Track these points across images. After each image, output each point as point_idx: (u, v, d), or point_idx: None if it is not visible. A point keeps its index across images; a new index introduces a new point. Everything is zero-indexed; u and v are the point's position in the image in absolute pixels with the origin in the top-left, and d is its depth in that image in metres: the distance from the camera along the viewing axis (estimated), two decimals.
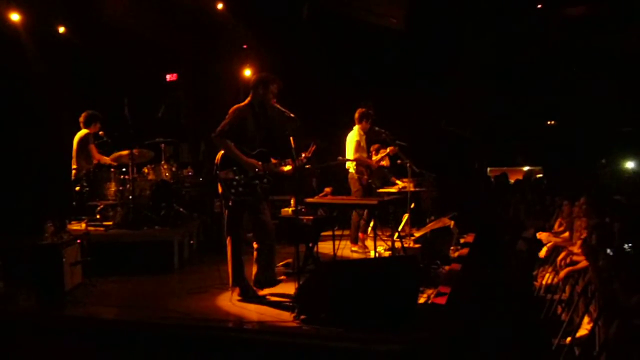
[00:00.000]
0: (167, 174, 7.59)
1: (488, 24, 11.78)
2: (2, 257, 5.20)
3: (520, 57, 13.63)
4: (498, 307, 5.94)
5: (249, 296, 4.71)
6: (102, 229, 6.71)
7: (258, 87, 4.81)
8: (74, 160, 7.06)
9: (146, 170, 7.56)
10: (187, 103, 10.78)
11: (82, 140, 7.07)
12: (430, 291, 4.81)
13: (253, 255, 4.84)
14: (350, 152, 6.95)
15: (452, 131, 12.31)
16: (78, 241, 5.22)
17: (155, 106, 10.16)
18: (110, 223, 6.85)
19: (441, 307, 4.42)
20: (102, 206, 7.04)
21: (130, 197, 6.87)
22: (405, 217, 6.61)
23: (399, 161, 7.05)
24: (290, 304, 4.27)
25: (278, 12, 9.83)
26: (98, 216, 6.98)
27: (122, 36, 8.56)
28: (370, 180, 6.96)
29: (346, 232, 6.74)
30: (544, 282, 6.35)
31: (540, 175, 15.43)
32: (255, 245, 4.83)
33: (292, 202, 6.23)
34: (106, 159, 7.17)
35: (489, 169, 16.06)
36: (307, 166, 5.09)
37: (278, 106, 4.78)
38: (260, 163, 4.73)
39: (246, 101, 4.88)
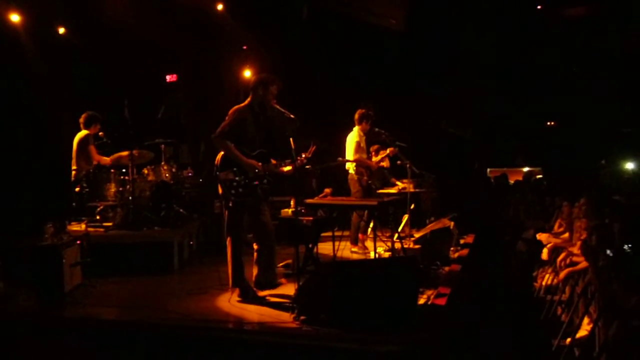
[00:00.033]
0: (167, 175, 7.59)
1: (488, 24, 11.78)
2: (2, 257, 5.21)
3: (520, 57, 13.63)
4: (498, 308, 5.94)
5: (248, 297, 4.71)
6: (102, 229, 6.71)
7: (258, 88, 4.81)
8: (73, 161, 7.05)
9: (146, 171, 7.55)
10: (187, 104, 10.77)
11: (82, 141, 7.07)
12: (430, 292, 4.80)
13: (253, 256, 4.84)
14: (350, 153, 6.95)
15: (452, 132, 12.33)
16: (78, 242, 5.22)
17: (155, 107, 10.15)
18: (110, 224, 6.85)
19: (441, 308, 4.42)
20: (102, 207, 7.03)
21: (130, 198, 6.87)
22: (405, 218, 6.62)
23: (398, 162, 7.05)
24: (290, 304, 4.27)
25: (278, 13, 9.84)
26: (98, 217, 6.97)
27: (122, 37, 8.56)
28: (370, 181, 6.95)
29: (346, 233, 6.75)
30: (543, 283, 6.35)
31: (540, 175, 15.43)
32: (255, 246, 4.83)
33: (292, 202, 6.23)
34: (106, 160, 7.17)
35: (488, 169, 16.07)
36: (308, 167, 5.09)
37: (278, 107, 4.78)
38: (260, 164, 4.73)
39: (246, 102, 4.88)
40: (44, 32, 8.25)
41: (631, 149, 16.00)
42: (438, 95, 11.25)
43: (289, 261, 5.77)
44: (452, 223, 6.57)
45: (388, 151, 7.13)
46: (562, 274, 5.50)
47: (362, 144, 6.98)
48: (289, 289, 4.70)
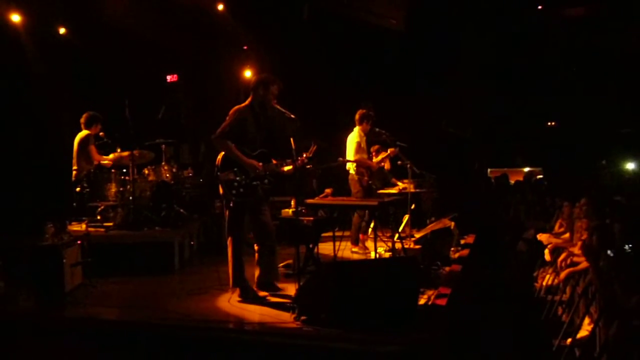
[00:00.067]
0: (167, 175, 7.60)
1: (488, 24, 11.78)
2: (2, 257, 5.20)
3: (520, 57, 13.62)
4: (499, 308, 5.94)
5: (249, 297, 4.71)
6: (102, 229, 6.70)
7: (258, 88, 4.81)
8: (74, 161, 7.05)
9: (146, 171, 7.56)
10: (187, 104, 10.79)
11: (83, 141, 7.07)
12: (430, 292, 4.80)
13: (255, 256, 4.84)
14: (350, 153, 6.95)
15: (452, 132, 12.32)
16: (78, 242, 5.21)
17: (155, 107, 10.16)
18: (111, 224, 6.84)
19: (442, 308, 4.41)
20: (102, 207, 7.03)
21: (131, 198, 6.87)
22: (406, 218, 6.61)
23: (399, 162, 7.05)
24: (291, 304, 4.26)
25: (278, 13, 9.84)
26: (98, 217, 6.97)
27: (122, 37, 8.57)
28: (370, 182, 6.95)
29: (346, 233, 6.74)
30: (544, 283, 6.36)
31: (541, 176, 15.44)
32: (256, 247, 4.83)
33: (292, 203, 6.22)
34: (106, 160, 7.17)
35: (489, 169, 16.06)
36: (308, 166, 5.09)
37: (278, 107, 4.77)
38: (260, 164, 4.73)
39: (246, 102, 4.87)
40: (44, 32, 8.26)
41: (631, 149, 15.99)
42: (438, 96, 11.25)
43: (290, 261, 5.77)
44: (453, 223, 6.56)
45: (389, 152, 7.13)
46: (562, 274, 5.50)
47: (363, 145, 6.97)
48: (290, 289, 4.70)
